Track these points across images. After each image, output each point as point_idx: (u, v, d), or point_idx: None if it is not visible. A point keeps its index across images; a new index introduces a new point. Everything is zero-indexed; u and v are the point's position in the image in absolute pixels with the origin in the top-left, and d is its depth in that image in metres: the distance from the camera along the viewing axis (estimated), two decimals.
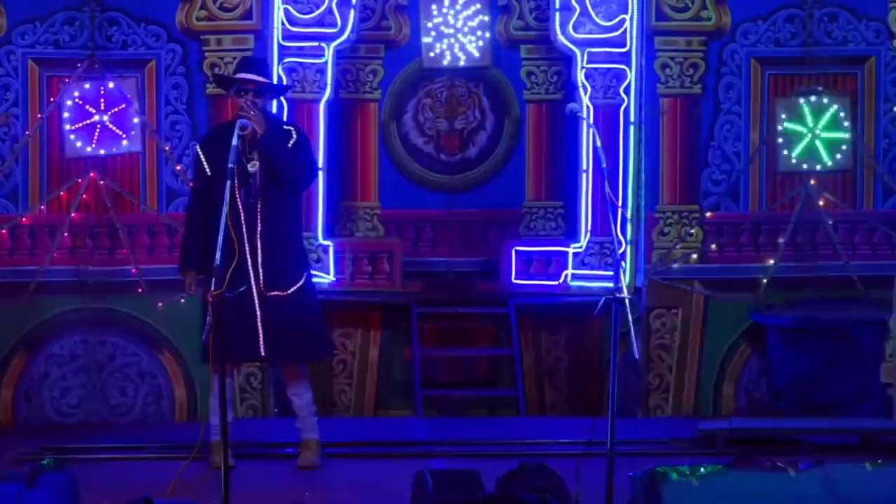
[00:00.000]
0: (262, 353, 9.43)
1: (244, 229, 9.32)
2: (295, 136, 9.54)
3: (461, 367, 11.82)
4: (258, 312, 9.34)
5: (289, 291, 9.45)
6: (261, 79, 9.49)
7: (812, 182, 11.33)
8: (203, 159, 9.47)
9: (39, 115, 11.08)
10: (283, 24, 11.19)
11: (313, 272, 11.16)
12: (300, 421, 9.66)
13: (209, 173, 9.41)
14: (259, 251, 9.36)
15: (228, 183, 8.43)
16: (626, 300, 8.18)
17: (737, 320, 11.31)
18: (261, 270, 9.36)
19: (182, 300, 10.90)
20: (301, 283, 9.51)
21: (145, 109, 11.15)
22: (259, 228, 9.37)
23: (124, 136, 11.12)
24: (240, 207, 9.30)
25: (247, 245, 9.33)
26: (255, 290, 9.34)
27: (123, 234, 11.07)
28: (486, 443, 10.05)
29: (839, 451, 9.77)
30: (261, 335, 9.37)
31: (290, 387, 9.66)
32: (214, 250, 8.55)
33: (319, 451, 9.61)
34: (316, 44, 11.23)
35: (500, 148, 11.78)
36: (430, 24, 11.52)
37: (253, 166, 9.38)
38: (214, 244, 8.52)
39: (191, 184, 9.74)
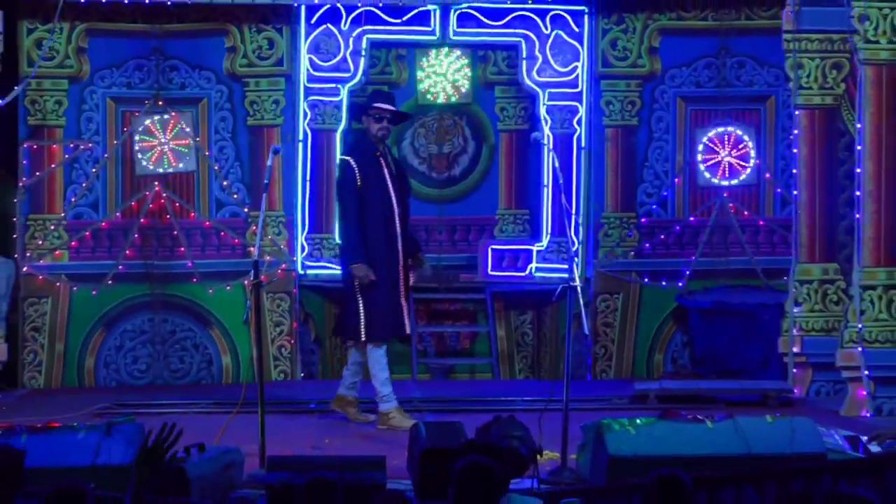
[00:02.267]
0: (408, 332, 9.33)
1: (398, 229, 9.18)
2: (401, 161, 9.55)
3: (448, 340, 11.80)
4: (404, 299, 9.21)
5: (411, 284, 9.39)
6: (394, 108, 9.35)
7: (725, 194, 11.33)
8: (357, 172, 9.15)
9: (115, 142, 11.05)
10: (307, 69, 11.17)
11: (329, 265, 11.22)
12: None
13: (360, 183, 9.15)
14: (403, 247, 9.23)
15: (393, 192, 8.63)
16: (579, 288, 8.16)
17: (665, 303, 11.30)
18: (408, 265, 9.25)
19: (228, 288, 10.91)
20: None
21: (199, 137, 11.13)
22: (403, 229, 9.24)
23: (182, 158, 11.10)
24: (396, 214, 9.19)
25: (400, 244, 9.20)
26: (404, 281, 9.22)
27: (181, 236, 11.04)
28: (467, 400, 10.02)
29: (746, 407, 9.75)
30: (405, 316, 9.24)
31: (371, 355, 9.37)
32: (372, 246, 8.78)
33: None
34: (333, 85, 11.21)
35: (479, 167, 11.76)
36: (424, 70, 11.50)
37: (395, 180, 9.27)
38: (370, 241, 8.80)
39: (340, 190, 9.31)
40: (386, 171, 9.17)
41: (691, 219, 11.32)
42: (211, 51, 11.10)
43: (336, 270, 11.19)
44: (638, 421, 7.74)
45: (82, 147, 11.01)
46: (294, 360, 11.18)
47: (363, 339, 9.19)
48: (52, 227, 10.96)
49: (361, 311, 9.16)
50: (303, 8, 11.03)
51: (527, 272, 11.30)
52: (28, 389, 10.84)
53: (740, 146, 11.36)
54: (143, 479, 4.92)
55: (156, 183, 11.03)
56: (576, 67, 11.27)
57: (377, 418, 9.29)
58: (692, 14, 11.25)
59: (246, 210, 11.08)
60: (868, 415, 9.74)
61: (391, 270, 9.16)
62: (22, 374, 10.91)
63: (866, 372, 9.79)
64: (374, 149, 9.21)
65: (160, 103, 11.03)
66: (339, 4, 10.96)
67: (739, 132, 11.35)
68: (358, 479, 6.87)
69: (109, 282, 10.92)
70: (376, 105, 9.28)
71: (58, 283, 10.93)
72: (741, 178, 11.38)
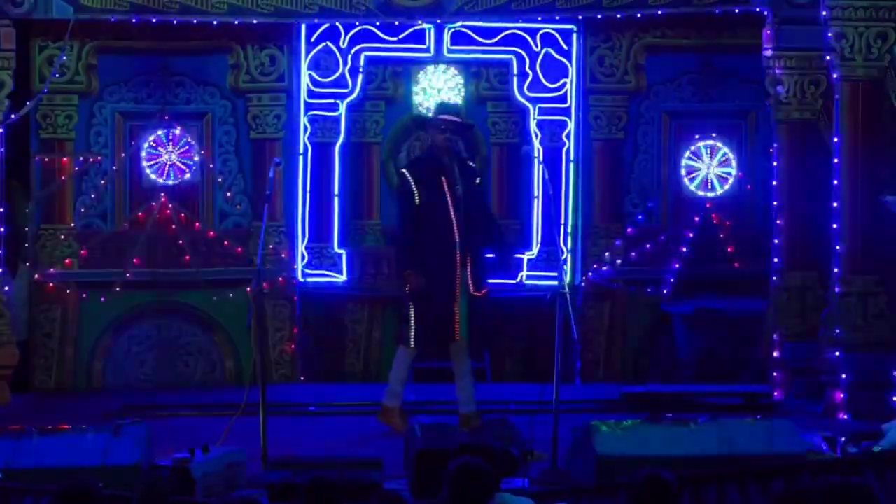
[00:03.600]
0: (457, 338, 9.10)
1: (456, 239, 9.04)
2: (477, 171, 9.35)
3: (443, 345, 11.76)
4: (457, 309, 9.01)
5: (482, 293, 9.16)
6: (458, 119, 9.28)
7: (708, 205, 11.33)
8: (413, 183, 9.10)
9: (123, 154, 11.04)
10: (307, 85, 11.16)
11: (328, 273, 11.21)
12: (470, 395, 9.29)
13: (417, 194, 9.08)
14: (469, 258, 9.07)
15: (451, 202, 8.57)
16: (568, 295, 8.17)
17: (651, 309, 11.28)
18: (469, 274, 9.06)
19: (231, 295, 10.90)
20: (486, 288, 9.23)
21: (203, 150, 11.13)
22: (467, 241, 9.06)
23: (187, 170, 11.10)
24: (454, 223, 9.06)
25: (458, 253, 9.04)
26: (458, 289, 9.02)
27: (187, 245, 11.03)
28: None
29: (728, 409, 9.75)
30: (456, 324, 9.06)
31: (465, 364, 9.28)
32: (428, 255, 8.67)
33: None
34: (332, 101, 11.21)
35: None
36: (419, 86, 11.50)
37: (459, 190, 9.13)
38: (427, 251, 8.68)
39: (398, 201, 9.37)
40: (445, 182, 9.05)
41: (675, 229, 11.32)
42: (215, 67, 11.10)
43: (334, 278, 11.21)
44: (625, 423, 7.76)
45: (92, 160, 11.00)
46: (295, 364, 11.17)
47: (411, 345, 9.10)
48: (63, 237, 10.94)
49: (412, 317, 9.10)
50: (303, 27, 11.03)
51: (518, 280, 11.29)
52: (39, 392, 10.83)
53: (723, 159, 11.37)
54: None
55: (162, 194, 11.01)
56: (565, 83, 11.27)
57: (381, 412, 9.21)
58: (676, 32, 11.25)
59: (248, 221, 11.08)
60: (845, 417, 9.75)
61: (445, 278, 9.02)
62: (33, 378, 10.89)
63: (844, 376, 9.80)
64: (436, 160, 9.14)
65: (166, 118, 11.02)
66: (337, 23, 10.96)
67: (721, 145, 11.36)
68: (356, 479, 6.88)
69: (117, 289, 10.90)
70: (439, 116, 9.26)
71: (68, 291, 10.91)
72: (723, 190, 11.39)
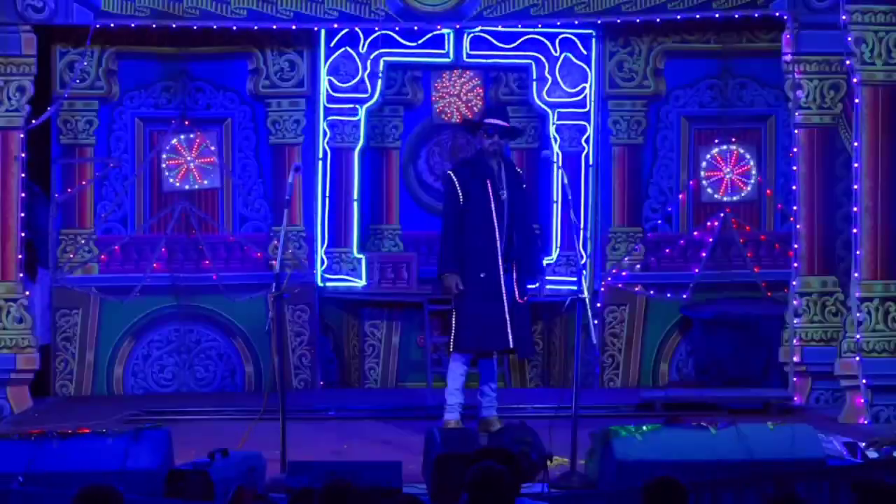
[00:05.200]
0: (511, 345, 9.06)
1: (498, 244, 9.06)
2: (524, 178, 9.36)
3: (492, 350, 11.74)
4: (507, 315, 9.00)
5: (524, 299, 9.14)
6: (505, 123, 9.25)
7: (728, 210, 11.31)
8: (458, 186, 9.13)
9: (143, 160, 11.07)
10: (327, 90, 11.18)
11: (347, 277, 11.21)
12: (491, 401, 9.28)
13: (462, 198, 9.11)
14: (513, 264, 9.07)
15: (494, 206, 8.63)
16: (587, 299, 8.17)
17: (670, 314, 11.26)
18: (514, 280, 9.07)
19: (251, 298, 10.90)
20: (528, 294, 9.20)
21: (223, 155, 11.14)
22: (513, 246, 9.08)
23: (207, 175, 11.11)
24: (496, 228, 9.07)
25: (501, 258, 9.05)
26: (504, 294, 9.01)
27: (206, 250, 11.05)
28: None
29: (748, 414, 9.73)
30: (509, 330, 9.02)
31: (492, 372, 9.27)
32: (471, 260, 8.72)
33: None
34: (352, 105, 11.22)
35: None
36: (438, 91, 11.50)
37: (504, 194, 9.16)
38: (470, 255, 8.73)
39: (444, 203, 9.42)
40: (490, 186, 9.07)
41: (695, 233, 11.30)
42: (235, 73, 11.12)
43: (354, 283, 11.22)
44: (644, 427, 7.75)
45: (112, 165, 11.03)
46: (314, 369, 11.18)
47: (451, 348, 9.12)
48: (83, 242, 10.98)
49: (453, 321, 9.12)
50: (322, 32, 11.04)
51: (537, 285, 11.27)
52: (59, 397, 10.86)
53: (742, 164, 11.35)
54: None
55: (182, 199, 11.04)
56: (584, 88, 11.26)
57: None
58: (695, 37, 11.23)
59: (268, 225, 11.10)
60: (866, 422, 9.72)
61: (488, 283, 9.01)
62: (54, 383, 10.92)
63: (864, 381, 9.78)
64: (482, 164, 9.15)
65: (186, 123, 11.05)
66: (357, 29, 10.96)
67: (741, 150, 11.33)
68: (375, 484, 6.87)
69: (137, 294, 10.93)
70: (487, 121, 9.24)
71: (88, 295, 10.94)
72: (743, 195, 11.36)
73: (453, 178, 9.21)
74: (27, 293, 10.32)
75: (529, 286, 9.30)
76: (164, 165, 11.08)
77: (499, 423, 9.12)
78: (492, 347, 9.16)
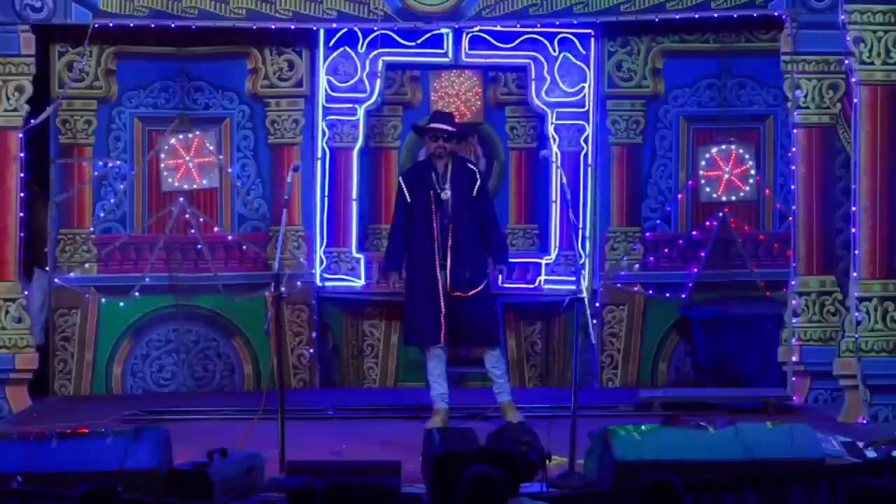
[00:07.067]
0: (442, 342, 9.41)
1: (437, 244, 9.38)
2: (478, 176, 9.61)
3: (460, 350, 11.76)
4: (443, 309, 9.35)
5: (469, 293, 9.43)
6: (449, 128, 9.55)
7: (726, 210, 11.31)
8: (405, 189, 9.53)
9: (142, 160, 11.07)
10: (326, 90, 11.18)
11: (346, 277, 11.22)
12: (499, 387, 9.56)
13: (409, 200, 9.48)
14: (449, 260, 9.38)
15: (435, 208, 9.02)
16: (586, 299, 8.18)
17: (669, 314, 11.27)
18: (448, 276, 9.36)
19: (250, 298, 10.90)
20: (479, 287, 9.47)
21: (222, 155, 11.14)
22: (450, 243, 9.39)
23: (206, 175, 11.11)
24: (435, 227, 9.39)
25: (437, 255, 9.37)
26: (441, 291, 9.33)
27: (205, 249, 11.05)
28: (479, 407, 10.01)
29: (747, 413, 9.74)
30: (443, 325, 9.37)
31: (487, 361, 9.60)
32: (412, 258, 9.11)
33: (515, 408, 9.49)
34: (351, 105, 11.22)
35: (490, 184, 11.73)
36: (437, 91, 11.50)
37: (445, 195, 9.44)
38: (412, 254, 9.15)
39: (394, 208, 9.78)
40: (432, 190, 9.41)
41: (694, 233, 11.30)
42: (233, 72, 11.12)
43: (352, 282, 11.22)
44: (643, 427, 7.75)
45: (111, 164, 11.03)
46: (313, 369, 11.18)
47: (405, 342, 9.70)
48: (82, 241, 10.98)
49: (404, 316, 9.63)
50: (321, 32, 11.04)
51: (536, 284, 11.28)
52: (58, 397, 10.86)
53: (741, 163, 11.35)
54: None
55: (181, 199, 11.04)
56: (583, 88, 11.26)
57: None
58: (694, 37, 11.24)
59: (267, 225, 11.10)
60: (864, 421, 9.73)
61: (426, 280, 9.36)
62: (52, 383, 10.93)
63: (863, 380, 9.78)
64: (427, 167, 9.54)
65: (185, 123, 11.04)
66: (356, 28, 10.96)
67: (740, 150, 11.34)
68: (374, 484, 6.87)
69: (136, 293, 10.93)
70: (430, 125, 9.56)
71: (87, 295, 10.94)
72: (742, 194, 11.36)
73: (401, 181, 9.64)
74: (25, 293, 10.31)
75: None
76: (162, 165, 11.07)
77: (512, 409, 9.35)
78: (429, 342, 9.45)
